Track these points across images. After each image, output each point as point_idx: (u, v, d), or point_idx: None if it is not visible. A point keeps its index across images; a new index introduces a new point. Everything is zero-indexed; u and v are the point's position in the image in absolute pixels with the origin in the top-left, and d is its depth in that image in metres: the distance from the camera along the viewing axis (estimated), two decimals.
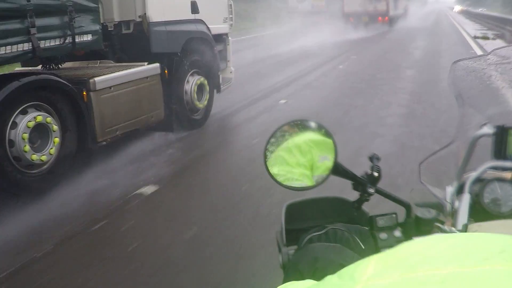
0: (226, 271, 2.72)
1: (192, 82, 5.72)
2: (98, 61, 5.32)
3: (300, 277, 0.77)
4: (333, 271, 0.47)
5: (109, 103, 4.48)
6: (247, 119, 6.29)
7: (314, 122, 1.07)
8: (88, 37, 4.36)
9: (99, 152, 4.51)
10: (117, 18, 5.29)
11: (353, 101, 7.24)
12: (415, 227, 1.08)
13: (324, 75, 9.95)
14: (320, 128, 1.06)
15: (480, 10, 51.14)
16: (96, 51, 4.84)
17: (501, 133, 1.10)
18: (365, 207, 1.13)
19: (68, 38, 4.09)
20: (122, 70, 4.81)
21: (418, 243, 0.47)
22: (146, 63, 5.09)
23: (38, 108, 3.82)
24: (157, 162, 4.69)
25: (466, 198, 1.08)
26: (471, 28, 24.28)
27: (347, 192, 1.17)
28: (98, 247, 3.11)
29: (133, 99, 4.80)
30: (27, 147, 3.64)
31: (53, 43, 3.97)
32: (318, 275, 0.61)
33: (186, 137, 5.55)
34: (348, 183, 1.08)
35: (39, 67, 4.74)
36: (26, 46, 3.70)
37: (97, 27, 4.47)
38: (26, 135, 3.63)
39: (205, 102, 5.96)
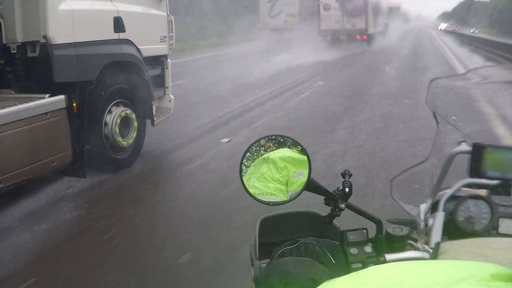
0: None
1: (114, 116, 4.71)
2: None
3: None
4: (303, 285, 0.57)
5: None
6: (181, 164, 5.25)
7: (290, 139, 1.08)
8: None
9: None
10: (20, 39, 4.29)
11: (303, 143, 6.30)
12: (387, 243, 1.04)
13: (280, 106, 8.48)
14: (296, 145, 1.08)
15: (471, 31, 46.34)
16: None
17: (478, 151, 1.11)
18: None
19: None
20: (12, 106, 3.78)
21: (386, 268, 0.51)
22: (47, 95, 4.06)
23: None
24: (41, 230, 3.58)
25: (440, 216, 1.14)
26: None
27: None
28: None
29: (23, 142, 3.76)
30: None
31: None
32: None
33: (100, 184, 4.50)
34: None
35: None
36: None
37: None
38: None
39: (130, 140, 4.94)
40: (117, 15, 4.78)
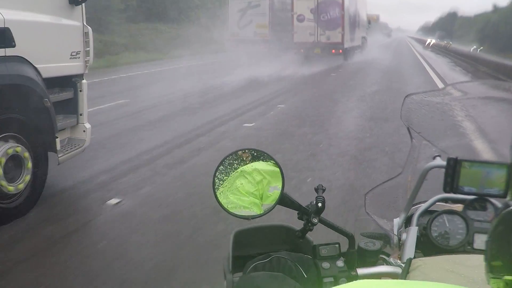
0: None
1: None
2: None
3: None
4: None
5: None
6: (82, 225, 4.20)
7: (264, 152, 1.07)
8: None
9: None
10: None
11: None
12: (359, 258, 1.04)
13: (224, 138, 6.80)
14: (269, 159, 1.07)
15: (472, 49, 35.46)
16: None
17: (453, 165, 1.10)
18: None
19: None
20: None
21: (356, 286, 0.51)
22: None
23: None
24: None
25: (413, 231, 1.13)
26: None
27: None
28: None
29: None
30: None
31: None
32: None
33: None
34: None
35: None
36: None
37: None
38: None
39: (21, 185, 3.85)
40: (2, 26, 3.71)
